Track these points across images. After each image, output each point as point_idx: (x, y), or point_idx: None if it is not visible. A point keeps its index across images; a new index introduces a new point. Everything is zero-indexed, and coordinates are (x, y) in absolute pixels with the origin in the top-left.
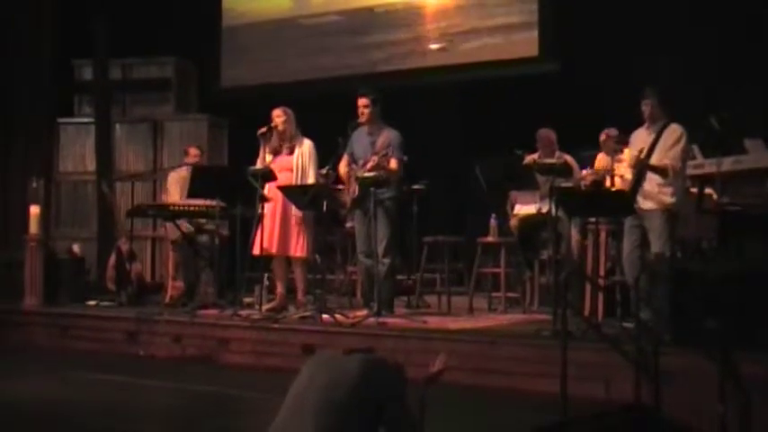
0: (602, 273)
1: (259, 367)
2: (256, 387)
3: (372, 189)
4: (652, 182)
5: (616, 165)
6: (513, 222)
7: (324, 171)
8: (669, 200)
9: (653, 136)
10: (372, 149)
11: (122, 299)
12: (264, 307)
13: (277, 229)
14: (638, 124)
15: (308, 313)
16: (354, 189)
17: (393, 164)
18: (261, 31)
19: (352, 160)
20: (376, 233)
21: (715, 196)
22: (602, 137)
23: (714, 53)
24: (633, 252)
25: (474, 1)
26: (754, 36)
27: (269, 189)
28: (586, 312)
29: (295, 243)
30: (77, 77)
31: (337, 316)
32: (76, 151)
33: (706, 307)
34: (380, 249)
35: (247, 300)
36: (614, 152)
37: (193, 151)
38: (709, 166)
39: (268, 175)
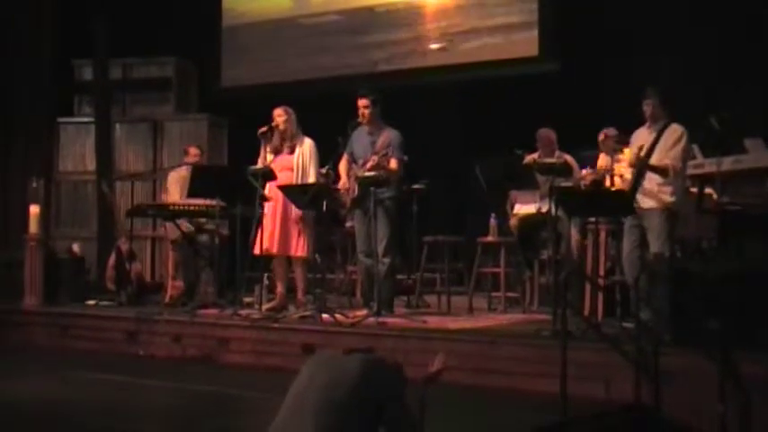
0: (601, 273)
1: (259, 367)
2: (256, 387)
3: (372, 189)
4: (652, 181)
5: (615, 164)
6: (513, 222)
7: (324, 171)
8: (669, 199)
9: (654, 135)
10: (372, 149)
11: (122, 298)
12: (264, 306)
13: (278, 228)
14: (638, 124)
15: (307, 313)
16: (354, 188)
17: (393, 164)
18: (261, 30)
19: (352, 160)
20: (376, 233)
21: (715, 196)
22: (601, 136)
23: (714, 53)
24: (633, 252)
25: (474, 1)
26: (755, 36)
27: (269, 188)
28: (586, 312)
29: (295, 243)
30: (77, 77)
31: (337, 316)
32: (76, 151)
33: (706, 307)
34: (380, 249)
35: (247, 299)
36: (613, 152)
37: (193, 151)
38: (709, 166)
39: (268, 175)
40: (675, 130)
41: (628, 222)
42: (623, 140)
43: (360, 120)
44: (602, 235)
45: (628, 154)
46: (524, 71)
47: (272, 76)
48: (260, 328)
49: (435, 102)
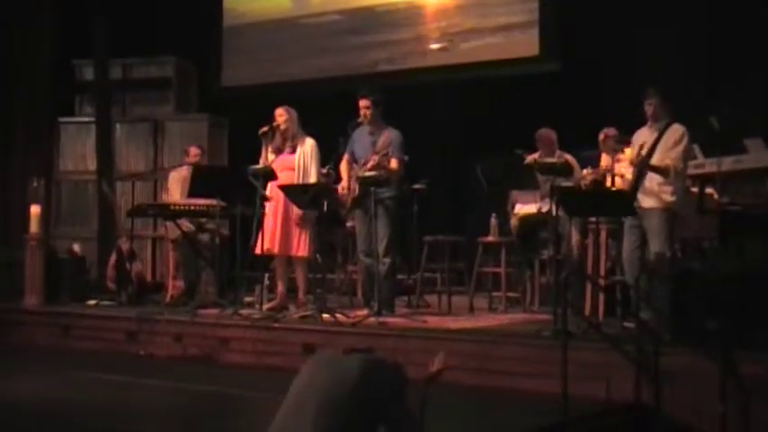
0: (602, 272)
1: (259, 367)
2: (257, 386)
3: (373, 188)
4: (653, 180)
5: (616, 164)
6: (513, 222)
7: (324, 171)
8: (669, 198)
9: (655, 135)
10: (373, 149)
11: (123, 298)
12: (265, 306)
13: (279, 228)
14: (639, 124)
15: (308, 313)
16: (354, 188)
17: (393, 163)
18: (261, 30)
19: (353, 159)
20: (376, 232)
21: (715, 196)
22: (601, 136)
23: (715, 53)
24: (633, 252)
25: (474, 0)
26: (755, 36)
27: (270, 188)
28: (587, 312)
29: (297, 242)
30: (78, 77)
31: (338, 315)
32: (77, 151)
33: (706, 307)
34: (381, 249)
35: (248, 299)
36: (613, 152)
37: (194, 151)
38: (710, 166)
39: (269, 175)
40: (676, 130)
41: (628, 222)
42: (623, 140)
43: (360, 120)
44: (603, 235)
45: (629, 153)
46: (525, 71)
47: (272, 76)
48: (260, 328)
49: (436, 102)
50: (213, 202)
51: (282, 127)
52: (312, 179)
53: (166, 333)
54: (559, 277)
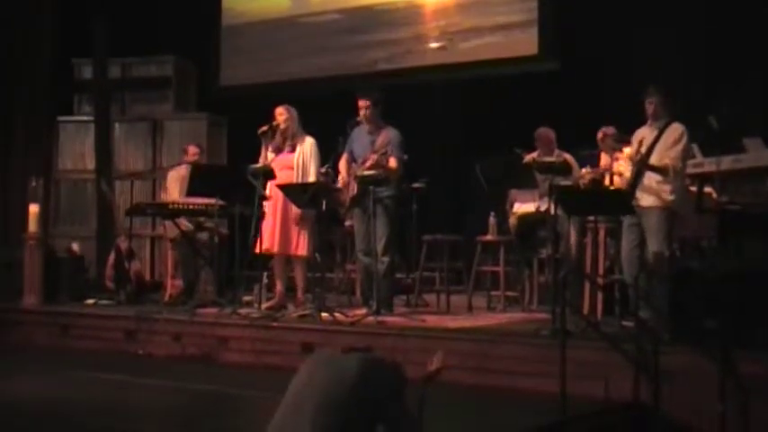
0: (601, 271)
1: (258, 366)
2: (256, 386)
3: (372, 187)
4: (651, 178)
5: (614, 163)
6: (512, 221)
7: (323, 170)
8: (668, 197)
9: (655, 134)
10: (372, 148)
11: (121, 297)
12: (264, 305)
13: (278, 227)
14: (638, 123)
15: (307, 312)
16: (353, 187)
17: (392, 162)
18: (260, 29)
19: (352, 159)
20: (375, 231)
21: (714, 195)
22: (600, 135)
23: (714, 52)
24: (632, 251)
25: None
26: (755, 36)
27: (269, 187)
28: (585, 311)
29: (296, 242)
30: (77, 76)
31: (336, 314)
32: (76, 150)
33: (705, 306)
34: (379, 248)
35: (247, 298)
36: (612, 150)
37: (193, 150)
38: (709, 165)
39: (269, 174)
40: (676, 129)
41: (627, 221)
42: (622, 139)
43: (359, 119)
44: (602, 234)
45: (628, 152)
46: (524, 70)
47: (271, 76)
48: (259, 327)
49: (435, 101)
50: (212, 201)
51: (283, 126)
52: (311, 178)
53: (165, 332)
54: (558, 276)
